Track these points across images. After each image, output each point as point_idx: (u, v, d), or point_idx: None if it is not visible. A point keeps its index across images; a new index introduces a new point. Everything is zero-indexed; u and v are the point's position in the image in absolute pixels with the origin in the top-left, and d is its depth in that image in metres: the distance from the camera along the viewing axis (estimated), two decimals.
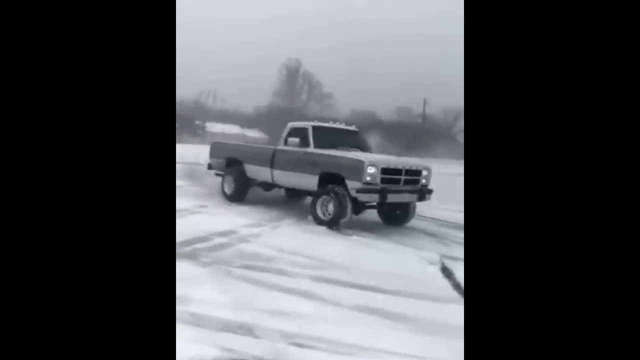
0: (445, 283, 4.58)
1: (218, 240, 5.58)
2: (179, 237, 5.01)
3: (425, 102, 44.33)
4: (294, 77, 58.03)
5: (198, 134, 47.62)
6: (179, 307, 2.97)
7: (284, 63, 57.28)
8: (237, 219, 7.16)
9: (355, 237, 6.50)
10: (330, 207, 7.07)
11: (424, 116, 44.30)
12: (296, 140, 7.72)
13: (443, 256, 5.73)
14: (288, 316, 3.35)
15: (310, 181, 7.49)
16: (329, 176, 7.19)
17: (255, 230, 6.48)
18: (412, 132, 40.71)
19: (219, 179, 9.42)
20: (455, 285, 4.44)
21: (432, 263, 5.39)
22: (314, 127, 8.00)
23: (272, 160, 8.20)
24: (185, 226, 5.78)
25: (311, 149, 7.68)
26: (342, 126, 8.99)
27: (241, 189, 8.77)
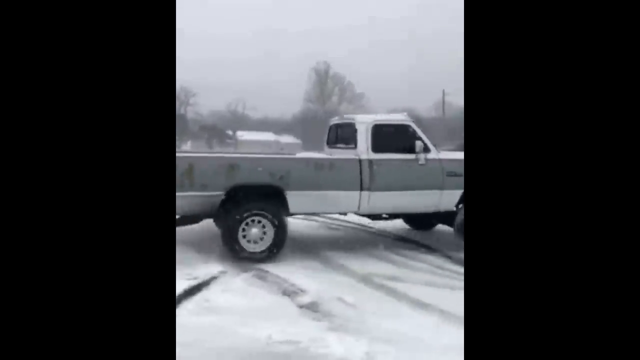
0: None
1: None
2: None
3: (444, 93, 43.59)
4: (324, 80, 57.82)
5: (227, 143, 47.71)
6: None
7: (312, 67, 57.16)
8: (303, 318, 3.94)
9: None
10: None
11: (443, 108, 43.48)
12: (420, 144, 5.73)
13: None
14: None
15: (432, 199, 5.83)
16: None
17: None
18: (451, 125, 39.33)
19: None
20: None
21: None
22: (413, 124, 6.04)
23: (363, 179, 5.66)
24: (200, 331, 3.24)
25: (433, 154, 5.89)
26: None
27: (282, 238, 5.43)
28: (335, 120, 7.10)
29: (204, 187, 5.07)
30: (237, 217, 5.24)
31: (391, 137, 5.89)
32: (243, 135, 51.22)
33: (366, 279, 4.86)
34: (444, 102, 42.89)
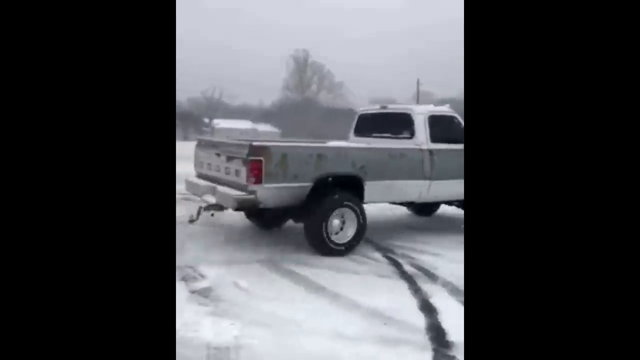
0: None
1: None
2: None
3: (418, 82, 43.66)
4: (303, 69, 57.35)
5: (204, 131, 46.81)
6: None
7: (291, 55, 56.45)
8: None
9: None
10: None
11: (418, 98, 43.64)
12: None
13: None
14: None
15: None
16: None
17: None
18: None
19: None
20: None
21: None
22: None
23: (425, 168, 5.82)
24: None
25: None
26: None
27: (364, 229, 5.41)
28: (366, 109, 7.20)
29: (295, 178, 4.97)
30: (328, 208, 5.14)
31: (442, 128, 6.09)
32: (219, 123, 50.31)
33: (273, 264, 4.89)
34: (418, 92, 43.11)
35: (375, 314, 3.65)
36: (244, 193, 4.85)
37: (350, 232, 5.29)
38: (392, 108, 6.68)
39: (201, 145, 6.20)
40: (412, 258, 5.31)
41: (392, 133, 6.38)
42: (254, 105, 57.57)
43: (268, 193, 4.86)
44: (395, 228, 7.02)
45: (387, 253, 5.51)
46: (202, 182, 5.73)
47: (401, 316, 3.60)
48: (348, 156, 5.37)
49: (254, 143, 4.98)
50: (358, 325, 3.43)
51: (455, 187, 5.77)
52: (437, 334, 3.34)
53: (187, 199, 7.57)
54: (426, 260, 5.23)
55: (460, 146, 5.58)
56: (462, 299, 4.01)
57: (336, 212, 5.19)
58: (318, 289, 4.18)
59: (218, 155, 5.54)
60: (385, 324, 3.47)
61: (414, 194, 5.90)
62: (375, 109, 6.99)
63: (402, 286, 4.38)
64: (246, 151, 4.86)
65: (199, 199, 5.60)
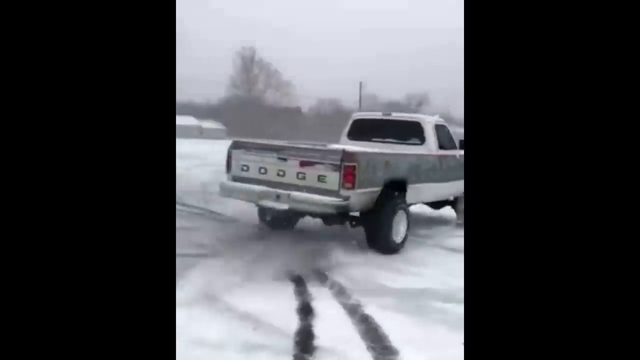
0: None
1: None
2: None
3: (361, 85, 44.14)
4: (249, 67, 56.78)
5: None
6: None
7: (238, 52, 55.67)
8: None
9: None
10: None
11: (360, 101, 44.19)
12: (460, 141, 6.95)
13: None
14: None
15: (459, 187, 6.69)
16: None
17: None
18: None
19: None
20: None
21: None
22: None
23: (437, 172, 6.52)
24: None
25: (460, 150, 6.97)
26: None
27: (409, 228, 5.91)
28: (362, 114, 7.61)
29: (373, 183, 5.32)
30: (393, 210, 5.51)
31: (441, 136, 6.85)
32: None
33: None
34: (360, 94, 43.91)
35: (248, 318, 3.49)
36: (338, 199, 4.98)
37: (402, 230, 5.67)
38: (398, 116, 7.14)
39: (245, 147, 5.86)
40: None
41: (398, 139, 6.80)
42: (200, 102, 56.54)
43: (357, 198, 5.10)
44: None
45: None
46: (255, 187, 5.46)
47: (273, 320, 3.46)
48: (401, 162, 5.85)
49: (346, 149, 5.24)
50: (224, 331, 3.26)
51: (452, 188, 6.80)
52: (305, 338, 3.23)
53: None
54: (323, 264, 5.00)
55: (453, 152, 6.78)
56: (346, 300, 3.94)
57: (398, 213, 5.57)
58: (199, 292, 3.97)
59: (283, 159, 5.41)
60: (254, 328, 3.33)
61: (433, 195, 6.69)
62: (376, 115, 7.37)
63: (288, 288, 4.24)
64: (338, 157, 5.03)
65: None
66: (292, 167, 5.33)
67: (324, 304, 3.89)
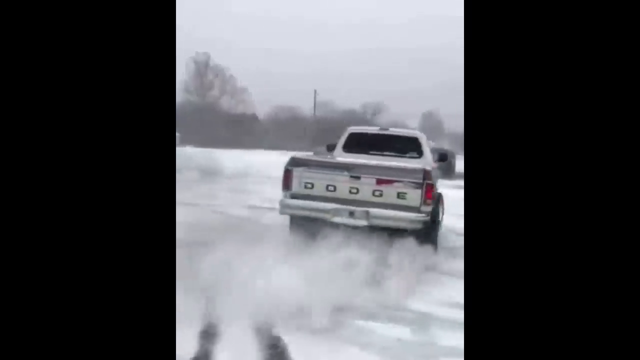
0: None
1: None
2: None
3: (315, 93, 44.55)
4: (203, 72, 54.99)
5: None
6: None
7: (191, 57, 54.27)
8: None
9: None
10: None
11: (314, 109, 44.63)
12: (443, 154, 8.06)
13: None
14: None
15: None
16: None
17: None
18: (322, 126, 40.12)
19: None
20: None
21: None
22: None
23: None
24: None
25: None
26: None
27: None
28: (358, 129, 7.98)
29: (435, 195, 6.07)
30: (437, 213, 6.32)
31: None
32: None
33: None
34: (315, 101, 44.78)
35: None
36: (421, 214, 5.40)
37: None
38: (395, 131, 7.69)
39: (307, 165, 5.87)
40: None
41: (396, 152, 7.19)
42: None
43: (431, 212, 5.60)
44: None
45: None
46: (326, 205, 5.55)
47: None
48: (434, 175, 6.38)
49: (426, 168, 5.63)
50: None
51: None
52: None
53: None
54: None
55: (441, 164, 7.77)
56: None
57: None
58: None
59: (356, 177, 5.57)
60: None
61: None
62: (373, 129, 7.86)
63: None
64: (420, 175, 5.45)
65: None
66: (367, 185, 5.53)
67: None
